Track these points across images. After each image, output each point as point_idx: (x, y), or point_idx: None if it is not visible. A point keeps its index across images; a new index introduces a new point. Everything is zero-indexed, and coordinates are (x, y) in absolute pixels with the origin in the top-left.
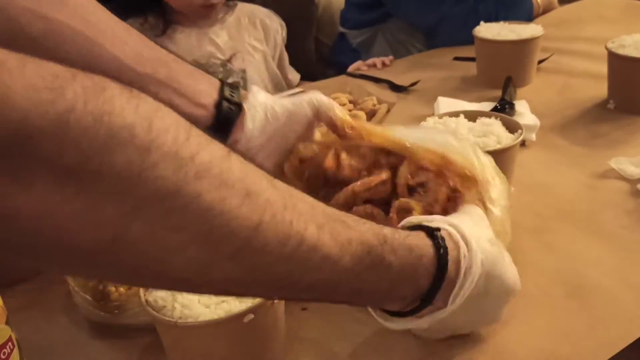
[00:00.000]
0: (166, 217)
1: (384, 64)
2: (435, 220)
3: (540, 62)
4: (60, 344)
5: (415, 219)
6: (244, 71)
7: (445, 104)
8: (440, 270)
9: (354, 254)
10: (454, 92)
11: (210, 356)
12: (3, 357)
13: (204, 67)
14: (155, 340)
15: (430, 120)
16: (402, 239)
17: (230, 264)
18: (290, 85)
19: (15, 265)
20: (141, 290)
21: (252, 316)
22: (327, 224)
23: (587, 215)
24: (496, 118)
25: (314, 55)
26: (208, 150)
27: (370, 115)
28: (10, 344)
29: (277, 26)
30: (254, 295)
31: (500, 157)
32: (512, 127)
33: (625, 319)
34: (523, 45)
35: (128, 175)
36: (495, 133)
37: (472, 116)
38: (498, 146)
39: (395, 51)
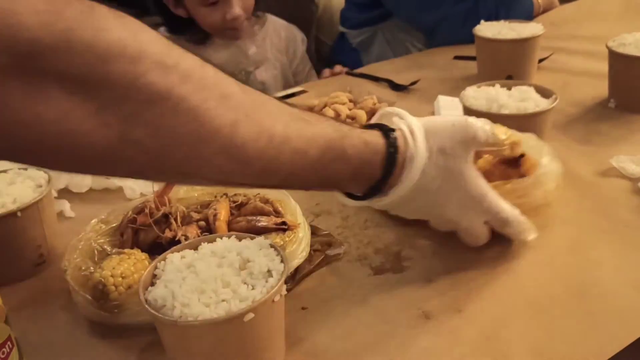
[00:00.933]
0: (161, 118)
1: (333, 74)
2: (403, 119)
3: (540, 60)
4: (60, 343)
5: (390, 109)
6: (263, 83)
7: (446, 102)
8: (388, 166)
9: (319, 147)
10: (454, 91)
11: (210, 355)
12: (2, 356)
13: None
14: (155, 340)
15: (470, 90)
16: (358, 134)
17: (219, 159)
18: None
19: (15, 265)
20: (141, 290)
21: (252, 315)
22: (292, 122)
23: (588, 214)
24: (529, 86)
25: (314, 55)
26: (187, 59)
27: (370, 114)
28: (9, 342)
29: (299, 40)
30: (243, 186)
31: (540, 118)
32: (546, 94)
33: (627, 318)
34: (523, 44)
35: (125, 83)
36: (533, 98)
37: (507, 86)
38: (537, 109)
39: (395, 50)
